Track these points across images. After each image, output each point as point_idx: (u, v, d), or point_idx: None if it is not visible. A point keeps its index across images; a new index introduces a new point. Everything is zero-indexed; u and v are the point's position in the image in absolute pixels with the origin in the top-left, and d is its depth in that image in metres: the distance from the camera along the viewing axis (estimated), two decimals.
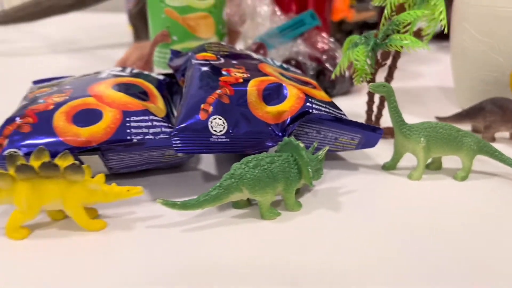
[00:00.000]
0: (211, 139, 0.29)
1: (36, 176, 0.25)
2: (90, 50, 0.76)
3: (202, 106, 0.30)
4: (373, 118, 0.38)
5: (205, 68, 0.33)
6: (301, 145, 0.28)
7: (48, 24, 0.95)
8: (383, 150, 0.36)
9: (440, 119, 0.41)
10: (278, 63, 0.41)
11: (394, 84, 0.55)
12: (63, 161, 0.26)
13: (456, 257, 0.24)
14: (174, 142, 0.28)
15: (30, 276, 0.23)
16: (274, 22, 0.50)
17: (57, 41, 0.83)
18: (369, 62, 0.34)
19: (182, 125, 0.29)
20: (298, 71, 0.41)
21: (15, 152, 0.26)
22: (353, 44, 0.35)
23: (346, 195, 0.30)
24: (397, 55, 0.36)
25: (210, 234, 0.26)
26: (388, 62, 0.37)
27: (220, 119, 0.30)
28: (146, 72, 0.39)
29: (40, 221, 0.28)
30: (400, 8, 0.35)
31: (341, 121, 0.32)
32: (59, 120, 0.30)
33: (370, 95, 0.37)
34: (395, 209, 0.28)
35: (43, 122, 0.30)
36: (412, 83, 0.56)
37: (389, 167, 0.33)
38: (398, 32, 0.34)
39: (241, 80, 0.32)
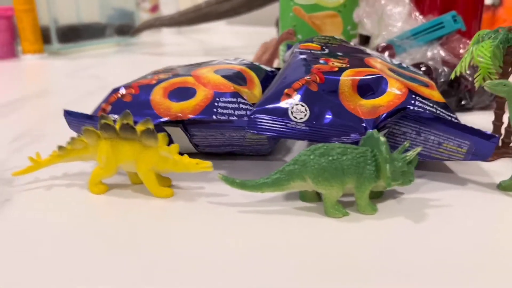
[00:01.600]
0: (289, 124, 0.27)
1: (116, 136, 0.27)
2: (237, 55, 0.80)
3: (286, 90, 0.28)
4: (503, 130, 0.32)
5: (302, 56, 0.32)
6: (382, 139, 0.24)
7: (207, 32, 1.04)
8: (507, 168, 0.30)
9: None
10: (397, 62, 0.37)
11: None
12: (143, 127, 0.27)
13: None
14: (249, 121, 0.27)
15: (95, 225, 0.24)
16: (408, 23, 0.45)
17: (212, 47, 0.90)
18: (495, 60, 0.28)
19: (261, 107, 0.28)
20: (419, 72, 0.36)
21: (109, 116, 0.28)
22: (480, 38, 0.29)
23: (437, 209, 0.25)
24: None
25: (265, 220, 0.24)
26: None
27: (302, 105, 0.28)
28: (256, 64, 0.39)
29: (120, 182, 0.29)
30: None
31: (444, 122, 0.27)
32: (157, 94, 0.32)
33: (499, 103, 0.31)
34: (495, 238, 0.22)
35: (142, 94, 0.32)
36: None
37: (507, 187, 0.27)
38: None
39: (336, 69, 0.30)
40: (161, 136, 0.27)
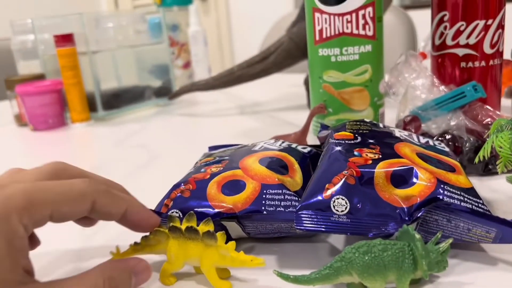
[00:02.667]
0: (331, 218, 0.31)
1: (182, 236, 0.31)
2: (269, 111, 0.85)
3: (327, 186, 0.32)
4: None
5: (338, 148, 0.36)
6: (417, 236, 0.28)
7: (241, 87, 1.10)
8: None
9: None
10: (424, 140, 0.40)
11: None
12: (205, 227, 0.31)
13: None
14: (296, 218, 0.31)
15: None
16: (432, 93, 0.49)
17: (246, 103, 0.95)
18: None
19: (305, 203, 0.32)
20: (446, 149, 0.40)
21: (175, 215, 0.32)
22: (499, 127, 0.33)
23: None
24: None
25: None
26: None
27: (343, 199, 0.32)
28: (294, 145, 0.43)
29: (187, 271, 0.33)
30: None
31: (471, 212, 0.30)
32: (212, 188, 0.36)
33: None
34: None
35: (199, 189, 0.36)
36: None
37: None
38: None
39: (370, 162, 0.34)
40: (219, 235, 0.31)
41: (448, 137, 0.46)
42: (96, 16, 0.93)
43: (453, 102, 0.48)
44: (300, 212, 0.31)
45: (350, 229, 0.31)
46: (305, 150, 0.43)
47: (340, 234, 0.31)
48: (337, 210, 0.31)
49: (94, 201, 0.28)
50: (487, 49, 0.49)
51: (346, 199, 0.32)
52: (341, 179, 0.33)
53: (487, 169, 0.46)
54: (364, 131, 0.39)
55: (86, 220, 0.33)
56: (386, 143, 0.37)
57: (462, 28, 0.49)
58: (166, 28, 1.01)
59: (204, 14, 2.71)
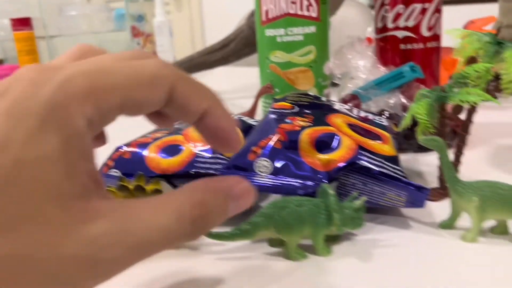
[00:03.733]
0: (254, 178, 0.32)
1: (130, 195, 0.32)
2: (229, 100, 0.86)
3: (253, 148, 0.33)
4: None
5: (273, 116, 0.37)
6: (331, 192, 0.29)
7: (203, 75, 1.10)
8: (447, 210, 0.34)
9: None
10: (364, 114, 0.41)
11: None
12: (153, 186, 0.31)
13: None
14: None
15: None
16: (372, 74, 0.51)
17: None
18: (430, 116, 0.33)
19: (231, 163, 0.33)
20: (384, 124, 0.41)
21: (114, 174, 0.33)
22: (420, 97, 0.35)
23: (386, 249, 0.30)
24: (472, 109, 0.34)
25: (238, 264, 0.29)
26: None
27: (266, 161, 0.33)
28: (244, 118, 0.44)
29: None
30: (472, 61, 0.33)
31: (385, 175, 0.32)
32: (151, 151, 0.37)
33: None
34: (435, 270, 0.27)
35: (139, 151, 0.37)
36: None
37: (446, 226, 0.31)
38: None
39: (297, 128, 0.35)
40: None
41: (385, 115, 0.47)
42: (59, 3, 0.92)
43: (392, 82, 0.49)
44: (224, 171, 0.32)
45: (272, 189, 0.32)
46: (254, 122, 0.44)
47: (262, 193, 0.32)
48: (259, 171, 0.32)
49: (172, 86, 0.20)
50: (425, 32, 0.51)
51: (269, 161, 0.33)
52: (267, 142, 0.34)
53: (421, 145, 0.47)
54: (304, 103, 0.40)
55: (161, 118, 0.24)
56: (321, 114, 0.38)
57: (401, 11, 0.51)
58: (129, 16, 1.00)
59: (177, 10, 2.71)
